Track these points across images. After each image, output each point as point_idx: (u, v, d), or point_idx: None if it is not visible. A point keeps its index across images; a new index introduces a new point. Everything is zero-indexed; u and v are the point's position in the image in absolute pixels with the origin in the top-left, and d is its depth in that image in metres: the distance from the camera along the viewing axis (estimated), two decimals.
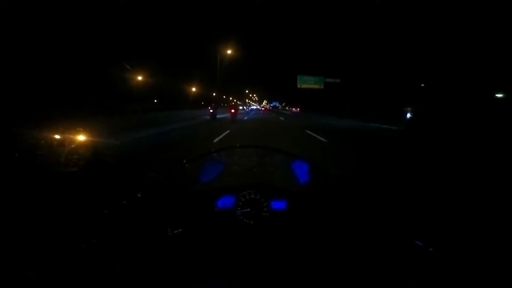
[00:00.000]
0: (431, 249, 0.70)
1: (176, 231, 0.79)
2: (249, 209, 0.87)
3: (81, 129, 0.87)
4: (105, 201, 0.85)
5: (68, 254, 0.65)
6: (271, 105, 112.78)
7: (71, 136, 0.85)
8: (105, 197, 0.87)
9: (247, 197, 0.89)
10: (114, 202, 0.85)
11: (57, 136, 0.86)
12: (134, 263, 0.67)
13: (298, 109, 53.13)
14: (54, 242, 0.68)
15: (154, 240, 0.76)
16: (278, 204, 0.89)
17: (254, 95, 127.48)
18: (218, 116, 17.36)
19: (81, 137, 0.87)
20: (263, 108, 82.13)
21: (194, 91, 41.43)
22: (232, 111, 17.14)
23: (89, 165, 0.87)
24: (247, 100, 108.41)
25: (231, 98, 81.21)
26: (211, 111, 17.07)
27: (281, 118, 24.23)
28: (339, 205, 0.92)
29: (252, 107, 71.82)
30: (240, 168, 1.20)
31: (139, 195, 0.91)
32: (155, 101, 32.48)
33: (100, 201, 0.84)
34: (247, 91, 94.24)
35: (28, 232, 0.68)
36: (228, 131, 9.96)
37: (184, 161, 1.07)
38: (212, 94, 38.82)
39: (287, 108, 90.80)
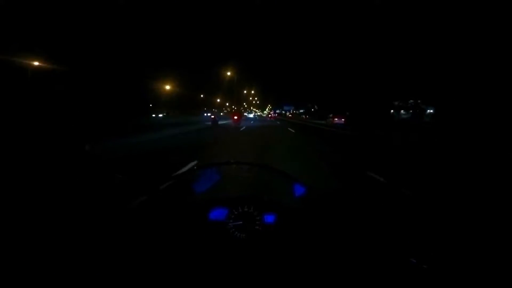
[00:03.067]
0: (425, 266, 0.70)
1: (166, 242, 0.79)
2: (241, 222, 0.86)
3: None
4: (106, 207, 0.93)
5: (68, 255, 0.69)
6: (277, 111, 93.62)
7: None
8: (106, 204, 0.95)
9: (240, 210, 0.88)
10: (111, 210, 0.92)
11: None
12: (124, 271, 0.69)
13: (343, 119, 33.55)
14: (56, 241, 0.73)
15: (145, 249, 0.76)
16: (271, 218, 0.88)
17: (256, 99, 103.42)
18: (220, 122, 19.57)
19: None
20: (269, 116, 69.08)
21: (196, 96, 42.58)
22: (235, 117, 19.06)
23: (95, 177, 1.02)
24: (244, 105, 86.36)
25: (227, 104, 61.35)
26: (212, 117, 19.94)
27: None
28: (331, 219, 0.92)
29: (251, 114, 53.57)
30: (236, 180, 1.27)
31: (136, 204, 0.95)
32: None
33: (103, 207, 0.92)
34: (245, 91, 72.66)
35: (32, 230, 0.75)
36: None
37: (178, 172, 1.18)
38: (214, 100, 41.33)
39: (303, 116, 70.47)
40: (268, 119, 46.17)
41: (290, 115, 78.63)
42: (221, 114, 43.74)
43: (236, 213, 0.88)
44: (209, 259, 0.74)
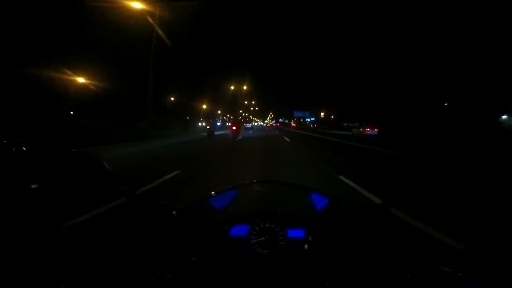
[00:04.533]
0: (460, 274, 0.67)
1: (189, 261, 0.79)
2: (263, 238, 0.84)
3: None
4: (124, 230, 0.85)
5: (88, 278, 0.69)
6: (280, 120, 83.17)
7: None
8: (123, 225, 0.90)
9: (262, 226, 0.87)
10: (131, 232, 0.87)
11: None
12: None
13: (376, 130, 24.36)
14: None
15: (167, 270, 0.74)
16: (295, 233, 0.86)
17: (254, 106, 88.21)
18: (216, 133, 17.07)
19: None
20: (268, 126, 65.75)
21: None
22: (234, 128, 15.40)
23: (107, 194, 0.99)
24: (241, 112, 74.61)
25: (219, 112, 50.73)
26: (207, 127, 17.31)
27: None
28: (356, 233, 0.90)
29: (249, 124, 43.49)
30: (254, 198, 1.23)
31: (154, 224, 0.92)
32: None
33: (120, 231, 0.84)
34: (242, 97, 60.81)
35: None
36: None
37: (197, 200, 1.08)
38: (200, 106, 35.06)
39: (311, 125, 59.32)
40: (267, 129, 43.09)
41: (294, 125, 67.50)
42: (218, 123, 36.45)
43: (258, 229, 0.86)
44: (232, 276, 0.74)
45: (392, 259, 0.78)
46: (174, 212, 1.01)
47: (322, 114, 68.60)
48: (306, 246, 0.83)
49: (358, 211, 0.99)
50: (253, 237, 0.84)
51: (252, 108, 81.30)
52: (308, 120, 68.79)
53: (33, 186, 0.99)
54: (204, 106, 37.74)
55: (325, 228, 0.90)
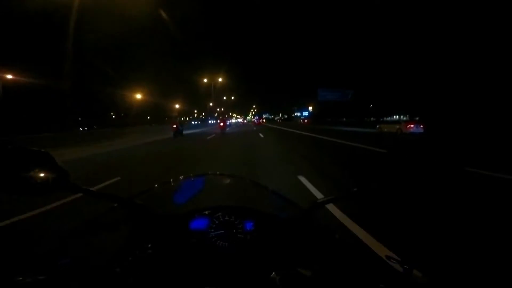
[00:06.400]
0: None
1: (145, 254, 0.77)
2: (223, 231, 0.86)
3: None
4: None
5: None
6: (264, 116, 74.05)
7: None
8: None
9: (221, 219, 0.88)
10: (82, 225, 0.86)
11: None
12: None
13: (421, 126, 19.08)
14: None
15: (124, 264, 0.72)
16: (251, 225, 0.88)
17: (226, 96, 69.66)
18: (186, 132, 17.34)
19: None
20: (242, 121, 66.32)
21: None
22: (221, 124, 18.21)
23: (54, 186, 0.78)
24: (220, 110, 63.21)
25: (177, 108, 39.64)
26: (174, 126, 15.57)
27: None
28: (311, 230, 0.93)
29: (228, 121, 33.80)
30: (213, 190, 1.23)
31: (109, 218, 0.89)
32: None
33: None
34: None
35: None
36: None
37: (156, 185, 1.06)
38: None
39: (301, 120, 49.04)
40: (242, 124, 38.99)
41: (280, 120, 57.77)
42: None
43: (217, 222, 0.87)
44: (192, 269, 0.74)
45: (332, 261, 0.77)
46: (134, 203, 0.94)
47: (310, 108, 59.22)
48: (261, 239, 0.85)
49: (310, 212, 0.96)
50: (213, 230, 0.85)
51: (224, 98, 66.75)
52: (299, 114, 58.94)
53: None
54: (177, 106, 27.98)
55: (280, 222, 0.93)
